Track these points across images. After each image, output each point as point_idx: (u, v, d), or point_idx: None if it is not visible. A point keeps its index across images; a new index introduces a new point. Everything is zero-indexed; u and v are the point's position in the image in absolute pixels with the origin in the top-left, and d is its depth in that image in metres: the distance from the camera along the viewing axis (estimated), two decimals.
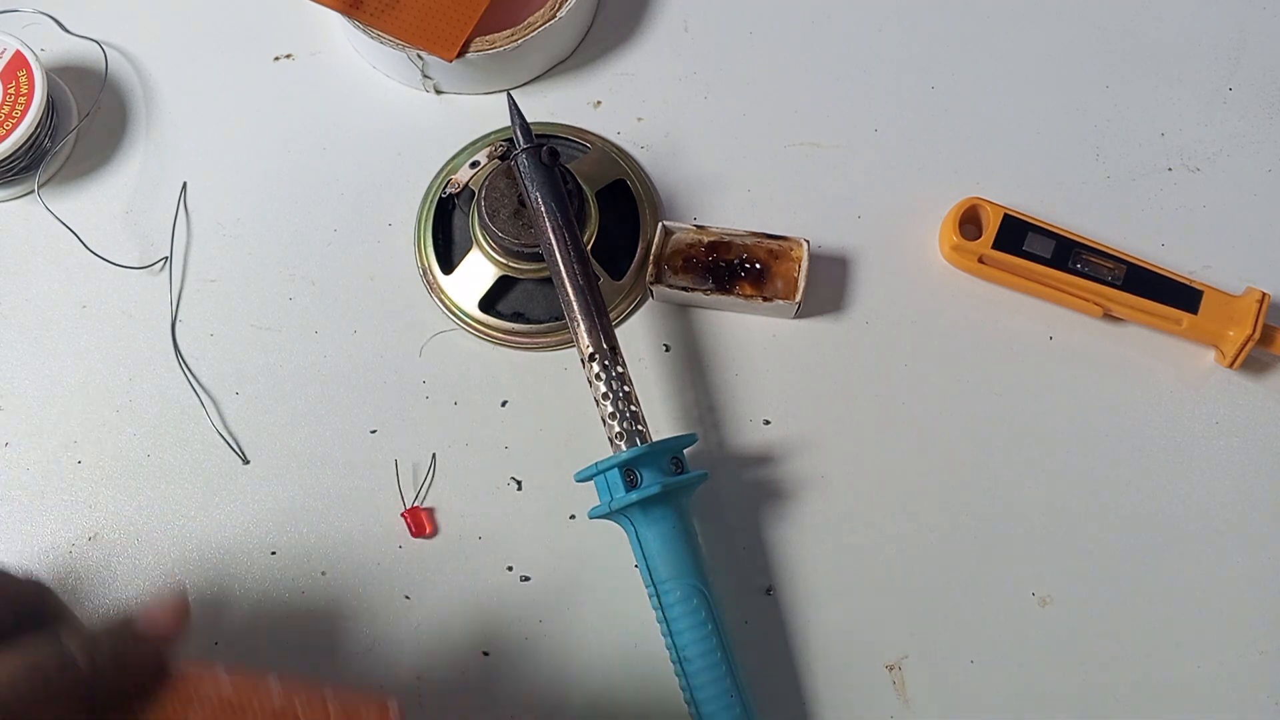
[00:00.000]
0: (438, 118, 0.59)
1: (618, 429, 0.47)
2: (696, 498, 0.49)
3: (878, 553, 0.51)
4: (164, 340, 0.55)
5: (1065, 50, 0.59)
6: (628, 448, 0.47)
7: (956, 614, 0.50)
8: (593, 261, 0.51)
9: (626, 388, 0.48)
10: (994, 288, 0.55)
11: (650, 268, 0.53)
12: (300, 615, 0.50)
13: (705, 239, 0.54)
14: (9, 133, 0.54)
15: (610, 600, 0.50)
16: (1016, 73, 0.59)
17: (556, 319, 0.54)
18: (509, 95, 0.51)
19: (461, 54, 0.56)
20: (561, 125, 0.58)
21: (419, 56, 0.56)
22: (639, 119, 0.58)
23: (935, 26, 0.60)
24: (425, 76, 0.58)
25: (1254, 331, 0.51)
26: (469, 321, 0.54)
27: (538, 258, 0.52)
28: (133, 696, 0.34)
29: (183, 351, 0.55)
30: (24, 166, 0.56)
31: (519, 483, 0.52)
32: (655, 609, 0.46)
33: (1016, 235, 0.53)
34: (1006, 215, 0.53)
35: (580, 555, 0.51)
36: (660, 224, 0.53)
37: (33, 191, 0.57)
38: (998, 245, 0.53)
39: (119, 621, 0.36)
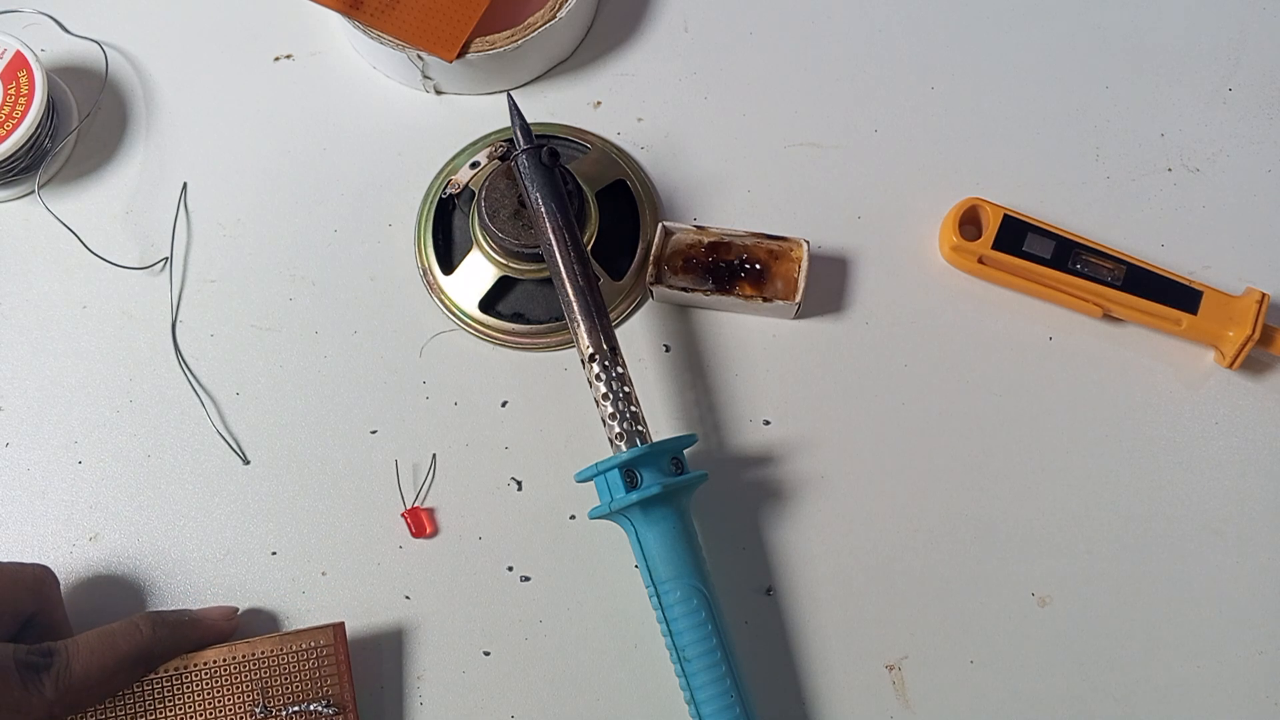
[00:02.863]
0: (438, 118, 0.59)
1: (618, 429, 0.47)
2: (696, 498, 0.50)
3: (878, 553, 0.51)
4: (164, 340, 0.55)
5: (1065, 50, 0.59)
6: (628, 448, 0.47)
7: (956, 614, 0.50)
8: (593, 262, 0.51)
9: (626, 388, 0.48)
10: (994, 288, 0.55)
11: (650, 268, 0.53)
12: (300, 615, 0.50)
13: (705, 239, 0.54)
14: (9, 133, 0.54)
15: (610, 600, 0.50)
16: (1016, 73, 0.59)
17: (556, 319, 0.54)
18: (509, 96, 0.51)
19: (461, 54, 0.56)
20: (561, 125, 0.58)
21: (419, 57, 0.56)
22: (639, 119, 0.58)
23: (935, 26, 0.60)
24: (425, 77, 0.58)
25: (1254, 332, 0.51)
26: (469, 322, 0.54)
27: (538, 258, 0.52)
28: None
29: (183, 351, 0.55)
30: (24, 167, 0.57)
31: (519, 483, 0.52)
32: (655, 609, 0.46)
33: (1016, 235, 0.53)
34: (1006, 215, 0.53)
35: (580, 555, 0.51)
36: (660, 224, 0.53)
37: (33, 192, 0.57)
38: (998, 245, 0.53)
39: (182, 610, 0.48)
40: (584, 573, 0.51)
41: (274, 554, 0.51)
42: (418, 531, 0.51)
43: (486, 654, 0.50)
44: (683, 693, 0.46)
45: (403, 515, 0.51)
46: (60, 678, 0.43)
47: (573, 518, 0.51)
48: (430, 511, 0.52)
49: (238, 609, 0.50)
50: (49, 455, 0.53)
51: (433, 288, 0.55)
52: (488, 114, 0.58)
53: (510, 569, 0.51)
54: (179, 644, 0.47)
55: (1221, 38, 0.59)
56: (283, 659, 0.47)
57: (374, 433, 0.53)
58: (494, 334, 0.54)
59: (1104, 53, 0.59)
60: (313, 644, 0.47)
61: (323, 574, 0.51)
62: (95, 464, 0.53)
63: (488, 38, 0.56)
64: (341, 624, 0.48)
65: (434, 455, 0.52)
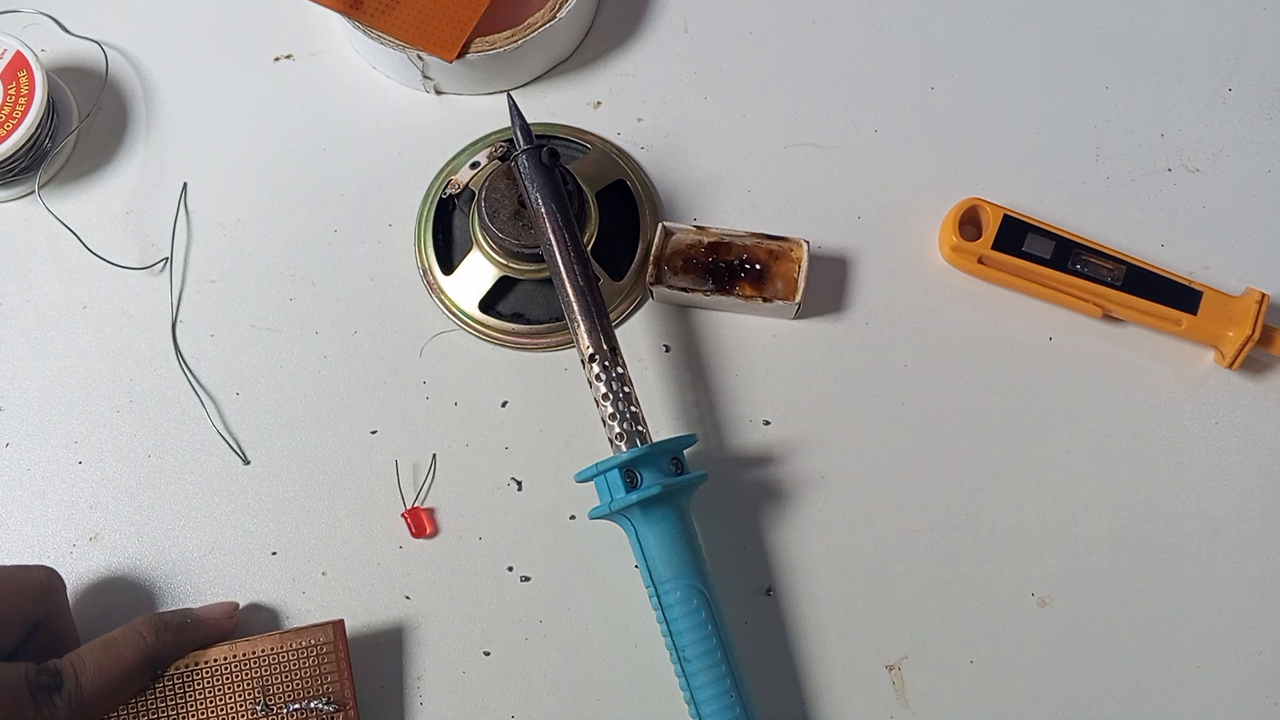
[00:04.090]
0: (438, 118, 0.59)
1: (618, 429, 0.47)
2: (696, 498, 0.50)
3: (878, 553, 0.51)
4: (164, 340, 0.55)
5: (1065, 50, 0.59)
6: (628, 448, 0.47)
7: (956, 614, 0.50)
8: (593, 262, 0.51)
9: (626, 388, 0.48)
10: (994, 288, 0.55)
11: (650, 268, 0.53)
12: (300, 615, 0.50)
13: (705, 239, 0.54)
14: (10, 133, 0.54)
15: (610, 600, 0.50)
16: (1016, 73, 0.59)
17: (556, 319, 0.54)
18: (509, 96, 0.51)
19: (461, 54, 0.56)
20: (561, 125, 0.58)
21: (419, 57, 0.56)
22: (639, 119, 0.58)
23: (935, 26, 0.60)
24: (425, 77, 0.58)
25: (1253, 332, 0.51)
26: (469, 322, 0.54)
27: (538, 258, 0.52)
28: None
29: (183, 352, 0.55)
30: (24, 167, 0.57)
31: (519, 483, 0.52)
32: (655, 609, 0.46)
33: (1016, 236, 0.53)
34: (1006, 216, 0.53)
35: (580, 555, 0.51)
36: (660, 224, 0.53)
37: (33, 192, 0.57)
38: (997, 246, 0.53)
39: (182, 611, 0.48)
40: (584, 573, 0.51)
41: (274, 554, 0.51)
42: (418, 531, 0.51)
43: (486, 654, 0.50)
44: (683, 693, 0.46)
45: (403, 515, 0.51)
46: (72, 697, 0.42)
47: (573, 518, 0.51)
48: (430, 511, 0.52)
49: (238, 604, 0.50)
50: (49, 455, 0.53)
51: (433, 288, 0.55)
52: (488, 114, 0.58)
53: (510, 569, 0.51)
54: (183, 646, 0.46)
55: (1221, 38, 0.59)
56: (283, 656, 0.47)
57: (374, 433, 0.53)
58: (494, 334, 0.54)
59: (1104, 53, 0.59)
60: (312, 641, 0.47)
61: (323, 574, 0.51)
62: (95, 464, 0.53)
63: (488, 38, 0.56)
64: (341, 621, 0.48)
65: (434, 455, 0.52)
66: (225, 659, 0.47)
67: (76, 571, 0.51)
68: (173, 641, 0.46)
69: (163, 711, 0.46)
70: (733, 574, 0.50)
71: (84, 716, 0.43)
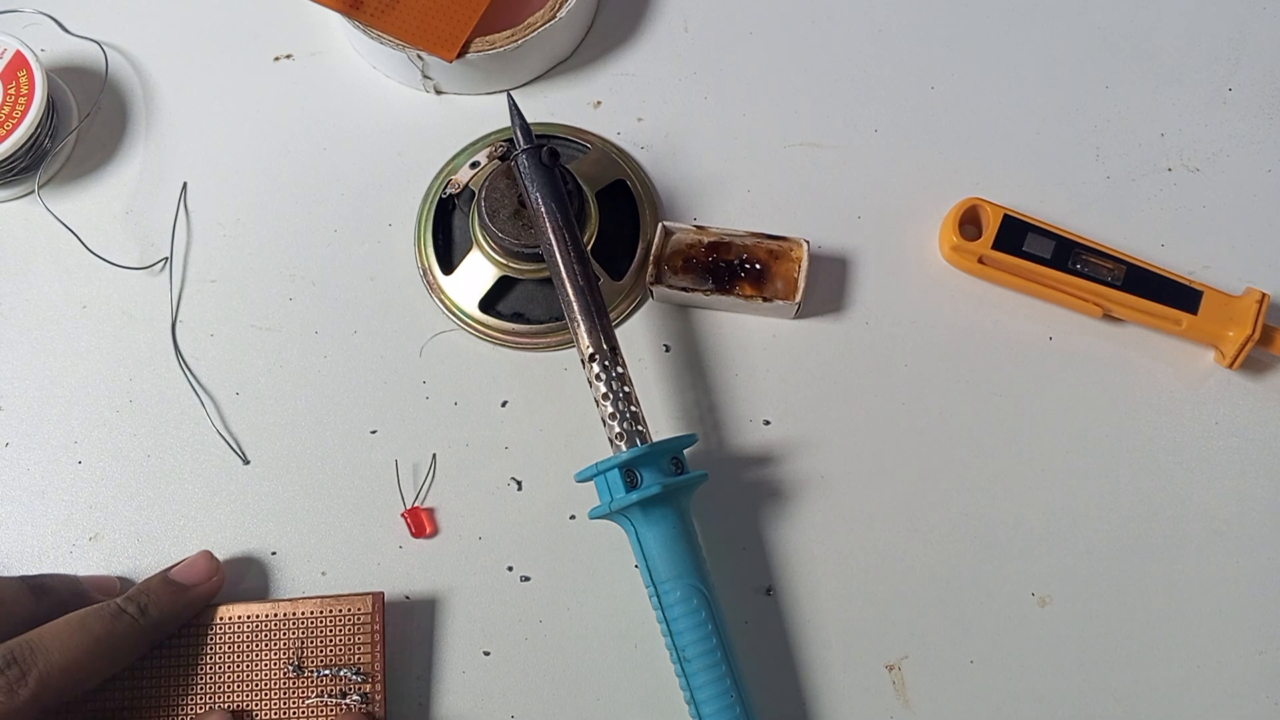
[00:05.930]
0: (438, 118, 0.59)
1: (618, 429, 0.47)
2: (696, 498, 0.50)
3: (878, 553, 0.51)
4: (164, 340, 0.55)
5: (1065, 50, 0.59)
6: (628, 448, 0.47)
7: (956, 614, 0.50)
8: (593, 262, 0.51)
9: (626, 388, 0.48)
10: (994, 288, 0.55)
11: (650, 268, 0.53)
12: None
13: (705, 239, 0.54)
14: (9, 133, 0.54)
15: (610, 600, 0.50)
16: (1016, 73, 0.59)
17: (556, 319, 0.54)
18: (509, 95, 0.51)
19: (461, 54, 0.56)
20: (561, 125, 0.58)
21: (419, 57, 0.56)
22: (639, 119, 0.58)
23: (935, 26, 0.60)
24: (425, 77, 0.58)
25: (1254, 332, 0.51)
26: (469, 322, 0.54)
27: (538, 258, 0.52)
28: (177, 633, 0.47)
29: (183, 351, 0.55)
30: (24, 167, 0.57)
31: (519, 483, 0.52)
32: (655, 609, 0.46)
33: (1016, 235, 0.53)
34: (1006, 215, 0.53)
35: (580, 555, 0.51)
36: (660, 224, 0.53)
37: (33, 192, 0.57)
38: (998, 245, 0.53)
39: (160, 579, 0.47)
40: (584, 573, 0.51)
41: (274, 554, 0.51)
42: (418, 531, 0.51)
43: (486, 654, 0.50)
44: (683, 693, 0.46)
45: (403, 515, 0.51)
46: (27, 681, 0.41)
47: (573, 518, 0.51)
48: (430, 511, 0.52)
49: (211, 553, 0.49)
50: (49, 455, 0.53)
51: (433, 288, 0.55)
52: (488, 114, 0.58)
53: (510, 569, 0.51)
54: (175, 618, 0.47)
55: (1221, 38, 0.59)
56: (322, 621, 0.48)
57: (374, 433, 0.53)
58: (494, 334, 0.54)
59: (1104, 53, 0.59)
60: (351, 610, 0.48)
61: (323, 574, 0.51)
62: (95, 464, 0.53)
63: (488, 38, 0.56)
64: (381, 594, 0.48)
65: (434, 455, 0.52)
66: (266, 616, 0.48)
67: (76, 571, 0.51)
68: (163, 616, 0.46)
69: (199, 662, 0.47)
70: (733, 574, 0.50)
71: (47, 698, 0.41)
